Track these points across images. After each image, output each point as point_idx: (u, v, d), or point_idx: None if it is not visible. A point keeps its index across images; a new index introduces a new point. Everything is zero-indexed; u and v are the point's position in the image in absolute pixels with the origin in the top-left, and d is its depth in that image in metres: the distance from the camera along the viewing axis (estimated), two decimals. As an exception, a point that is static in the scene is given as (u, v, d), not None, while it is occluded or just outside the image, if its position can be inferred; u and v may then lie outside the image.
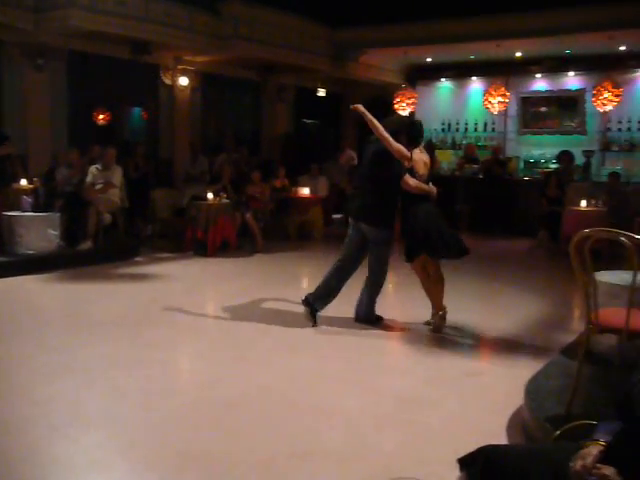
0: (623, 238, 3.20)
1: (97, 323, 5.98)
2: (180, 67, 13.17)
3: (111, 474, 3.26)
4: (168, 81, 13.15)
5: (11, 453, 3.39)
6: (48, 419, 3.81)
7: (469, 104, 15.33)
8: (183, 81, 13.26)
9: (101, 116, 12.38)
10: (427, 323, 5.95)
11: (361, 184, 6.15)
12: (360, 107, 5.66)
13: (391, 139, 5.55)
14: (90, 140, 11.01)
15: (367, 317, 6.01)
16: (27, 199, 8.71)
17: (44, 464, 3.30)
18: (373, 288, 6.02)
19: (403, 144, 5.61)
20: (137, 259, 9.36)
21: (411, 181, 5.64)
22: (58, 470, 3.25)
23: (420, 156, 5.76)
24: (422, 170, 5.73)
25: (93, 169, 9.44)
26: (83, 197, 9.24)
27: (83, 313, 6.42)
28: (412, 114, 14.87)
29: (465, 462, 1.88)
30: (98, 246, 9.17)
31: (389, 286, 7.15)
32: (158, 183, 11.50)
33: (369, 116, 5.64)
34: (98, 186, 9.35)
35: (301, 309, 5.97)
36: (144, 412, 3.98)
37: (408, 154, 5.61)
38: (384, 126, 5.65)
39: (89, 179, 9.37)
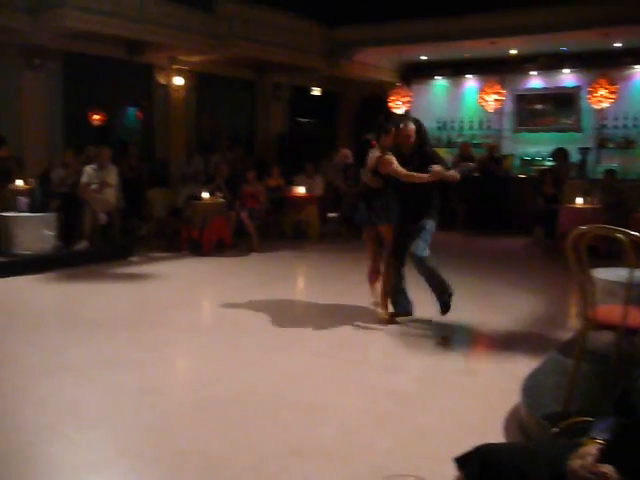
0: (619, 234, 3.19)
1: (92, 323, 5.96)
2: (175, 67, 13.16)
3: (108, 474, 3.25)
4: (163, 81, 13.13)
5: (7, 452, 3.37)
6: (44, 418, 3.80)
7: (464, 102, 15.33)
8: (178, 81, 13.24)
9: (96, 116, 12.34)
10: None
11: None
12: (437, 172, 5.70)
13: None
14: (85, 140, 10.99)
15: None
16: (23, 199, 8.70)
17: (41, 464, 3.29)
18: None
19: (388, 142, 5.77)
20: (132, 259, 9.34)
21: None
22: (55, 470, 3.24)
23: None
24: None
25: (88, 169, 9.40)
26: (79, 197, 9.23)
27: (78, 313, 6.40)
28: (407, 112, 14.87)
29: (462, 461, 1.87)
30: (94, 246, 9.16)
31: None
32: (154, 183, 11.48)
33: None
34: (93, 186, 9.32)
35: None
36: (139, 411, 3.97)
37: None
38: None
39: (84, 179, 9.34)
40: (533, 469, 1.77)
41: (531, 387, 3.96)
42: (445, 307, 5.88)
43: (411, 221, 5.81)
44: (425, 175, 5.64)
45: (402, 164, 5.70)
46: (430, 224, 5.84)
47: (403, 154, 5.81)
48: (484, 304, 7.08)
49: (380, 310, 6.01)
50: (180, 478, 3.19)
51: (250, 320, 6.08)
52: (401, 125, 5.84)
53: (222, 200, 9.95)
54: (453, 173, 5.89)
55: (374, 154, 5.83)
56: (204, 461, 3.33)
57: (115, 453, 3.42)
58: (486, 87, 13.67)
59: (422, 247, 5.71)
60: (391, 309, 6.07)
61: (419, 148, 5.89)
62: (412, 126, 5.85)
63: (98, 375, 4.58)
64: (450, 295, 5.86)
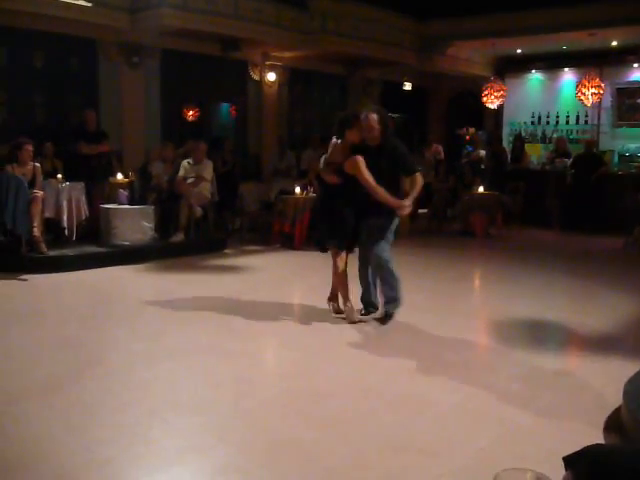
0: None
1: (188, 312, 6.14)
2: (268, 63, 13.36)
3: (206, 458, 3.33)
4: (256, 77, 13.35)
5: (109, 436, 3.51)
6: (145, 403, 3.94)
7: (560, 96, 14.92)
8: (271, 77, 13.44)
9: (190, 112, 12.66)
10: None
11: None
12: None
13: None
14: (180, 136, 11.29)
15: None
16: (123, 192, 9.05)
17: (141, 447, 3.40)
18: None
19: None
20: (226, 251, 9.57)
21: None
22: (155, 453, 3.35)
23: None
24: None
25: (185, 163, 9.67)
26: (176, 191, 9.50)
27: (174, 302, 6.59)
28: (501, 107, 14.60)
29: (571, 461, 1.83)
30: (189, 238, 9.42)
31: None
32: (247, 177, 11.70)
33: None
34: (190, 180, 9.58)
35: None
36: (236, 400, 4.05)
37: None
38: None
39: (181, 173, 9.60)
40: (647, 471, 1.71)
41: (633, 390, 3.83)
42: (388, 317, 5.78)
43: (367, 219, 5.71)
44: (388, 197, 5.50)
45: (367, 159, 5.51)
46: (389, 222, 5.72)
47: (368, 147, 5.58)
48: (581, 304, 6.88)
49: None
50: (280, 467, 3.24)
51: (341, 313, 6.11)
52: (362, 116, 5.56)
53: (313, 195, 10.03)
54: (407, 203, 5.61)
55: (335, 143, 5.70)
56: (301, 451, 3.37)
57: (215, 439, 3.50)
58: (584, 80, 13.18)
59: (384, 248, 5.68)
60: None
61: (385, 140, 5.60)
62: (374, 116, 5.53)
63: (195, 363, 4.72)
64: (396, 307, 5.76)
